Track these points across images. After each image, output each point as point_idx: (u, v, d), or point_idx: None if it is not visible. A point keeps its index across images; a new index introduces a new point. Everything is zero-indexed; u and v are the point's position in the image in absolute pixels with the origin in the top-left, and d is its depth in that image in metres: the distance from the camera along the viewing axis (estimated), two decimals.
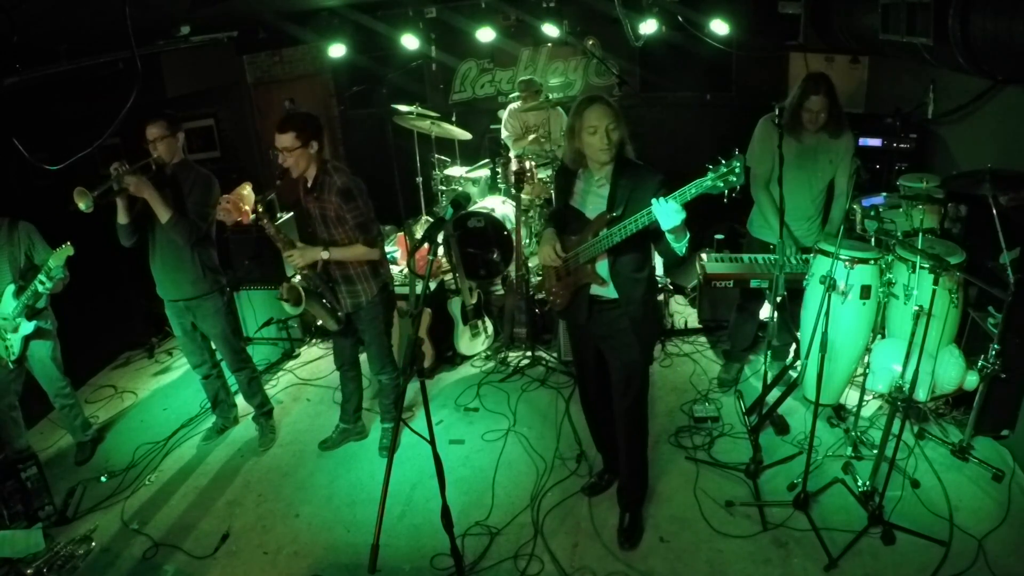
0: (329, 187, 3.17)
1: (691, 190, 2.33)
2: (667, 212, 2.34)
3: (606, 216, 2.61)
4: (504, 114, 5.80)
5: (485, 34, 5.44)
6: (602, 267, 2.70)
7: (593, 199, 2.71)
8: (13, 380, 3.61)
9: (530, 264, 4.89)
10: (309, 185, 3.24)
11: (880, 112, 4.64)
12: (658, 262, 4.24)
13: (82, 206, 3.04)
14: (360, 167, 7.18)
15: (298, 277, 3.50)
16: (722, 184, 2.27)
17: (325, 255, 3.23)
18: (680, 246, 2.51)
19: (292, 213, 5.05)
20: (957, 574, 2.65)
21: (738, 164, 2.24)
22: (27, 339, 3.52)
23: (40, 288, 3.37)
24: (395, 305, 3.65)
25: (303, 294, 3.33)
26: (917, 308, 2.78)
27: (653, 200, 2.35)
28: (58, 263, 3.33)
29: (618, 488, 3.12)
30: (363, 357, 3.75)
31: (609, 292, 2.72)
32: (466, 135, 5.54)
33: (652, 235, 2.55)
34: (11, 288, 3.43)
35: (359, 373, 3.81)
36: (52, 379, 3.67)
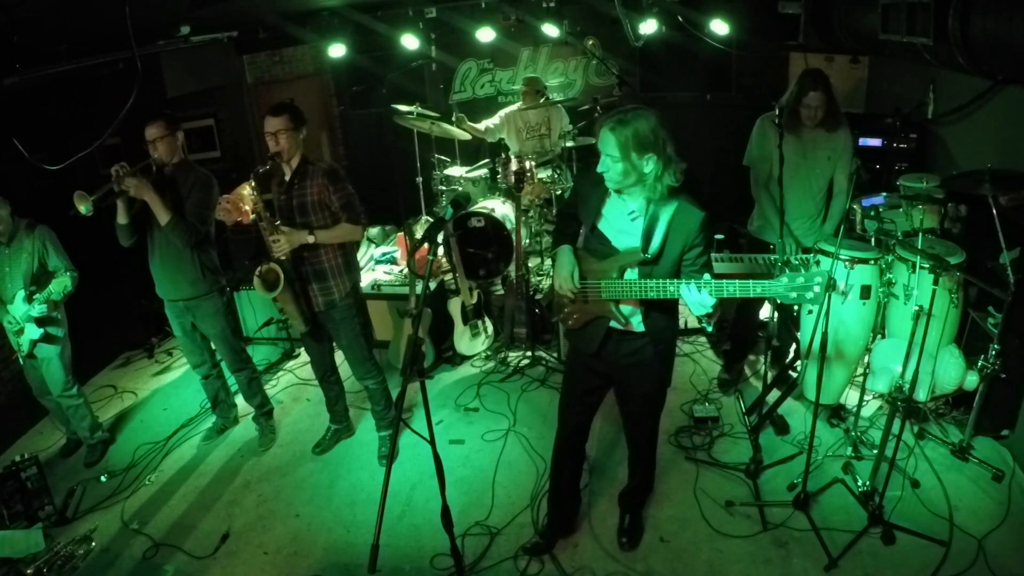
0: (313, 173, 3.24)
1: (733, 286, 2.09)
2: (696, 301, 2.14)
3: (638, 255, 2.34)
4: (502, 112, 5.76)
5: (485, 34, 5.43)
6: (627, 307, 2.46)
7: (623, 228, 2.41)
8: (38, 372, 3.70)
9: (530, 264, 4.88)
10: (288, 177, 3.26)
11: (880, 112, 4.64)
12: None
13: (82, 210, 3.04)
14: (360, 167, 7.23)
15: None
16: (794, 296, 2.04)
17: (311, 238, 3.21)
18: (706, 325, 2.33)
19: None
20: (957, 574, 2.65)
21: (820, 280, 2.01)
22: (36, 342, 3.54)
23: (35, 310, 3.45)
24: (366, 308, 3.60)
25: (282, 276, 3.24)
26: (917, 308, 2.78)
27: (682, 284, 2.18)
28: (58, 289, 3.44)
29: (621, 492, 3.09)
30: (341, 361, 3.74)
31: (633, 326, 2.49)
32: (465, 135, 5.53)
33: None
34: (21, 294, 3.46)
35: (339, 376, 3.82)
36: (57, 380, 3.66)
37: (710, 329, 2.40)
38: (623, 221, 2.41)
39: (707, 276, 2.21)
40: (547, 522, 3.06)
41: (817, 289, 2.03)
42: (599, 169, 2.32)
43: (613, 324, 2.49)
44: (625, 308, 2.46)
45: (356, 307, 3.48)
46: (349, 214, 3.27)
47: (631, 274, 2.37)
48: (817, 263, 3.25)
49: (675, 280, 2.25)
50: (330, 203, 3.25)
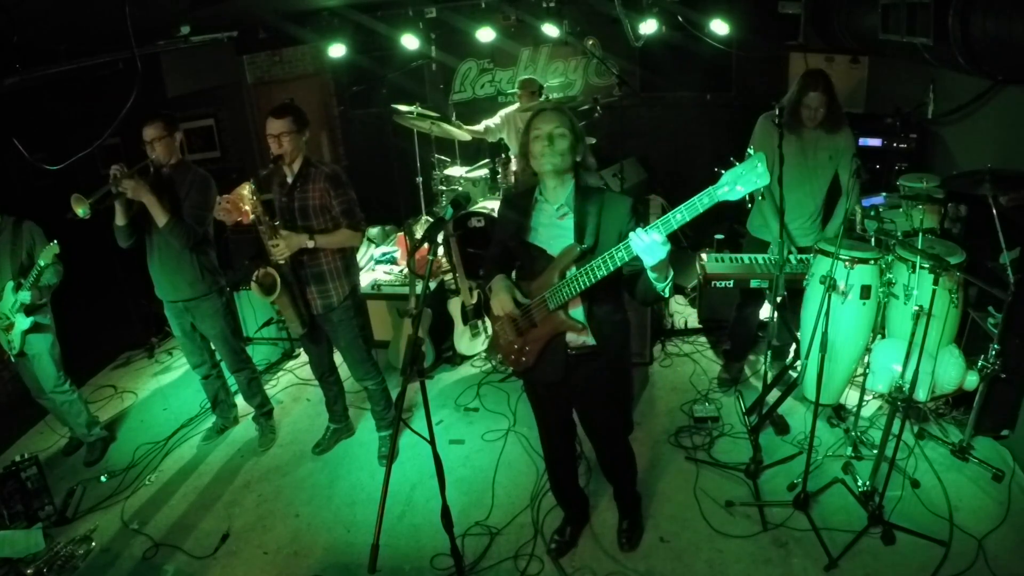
0: (315, 176, 3.22)
1: (678, 215, 1.95)
2: (649, 247, 2.00)
3: (576, 249, 2.27)
4: (503, 112, 5.76)
5: (485, 34, 5.44)
6: (577, 312, 2.38)
7: (555, 232, 2.37)
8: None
9: None
10: (290, 180, 3.24)
11: (880, 112, 4.64)
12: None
13: (80, 212, 3.04)
14: (360, 167, 7.24)
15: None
16: (741, 190, 1.89)
17: (310, 243, 3.20)
18: (664, 285, 2.19)
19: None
20: (957, 574, 2.65)
21: (759, 160, 1.88)
22: (25, 334, 3.53)
23: (25, 297, 3.44)
24: (366, 310, 3.59)
25: (279, 280, 3.24)
26: (917, 308, 2.78)
27: (631, 233, 2.02)
28: (47, 261, 3.39)
29: (614, 494, 3.08)
30: (340, 362, 3.73)
31: (587, 339, 2.42)
32: (465, 135, 5.53)
33: (626, 274, 2.25)
34: (10, 284, 3.45)
35: (339, 376, 3.81)
36: (49, 375, 3.66)
37: (667, 295, 2.25)
38: (553, 224, 2.38)
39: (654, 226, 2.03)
40: (564, 517, 3.05)
41: (760, 167, 1.87)
42: (533, 148, 2.29)
43: (569, 338, 2.42)
44: (576, 313, 2.39)
45: (354, 309, 3.47)
46: (349, 220, 3.26)
47: (573, 272, 2.28)
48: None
49: (618, 246, 2.11)
50: (331, 207, 3.23)
